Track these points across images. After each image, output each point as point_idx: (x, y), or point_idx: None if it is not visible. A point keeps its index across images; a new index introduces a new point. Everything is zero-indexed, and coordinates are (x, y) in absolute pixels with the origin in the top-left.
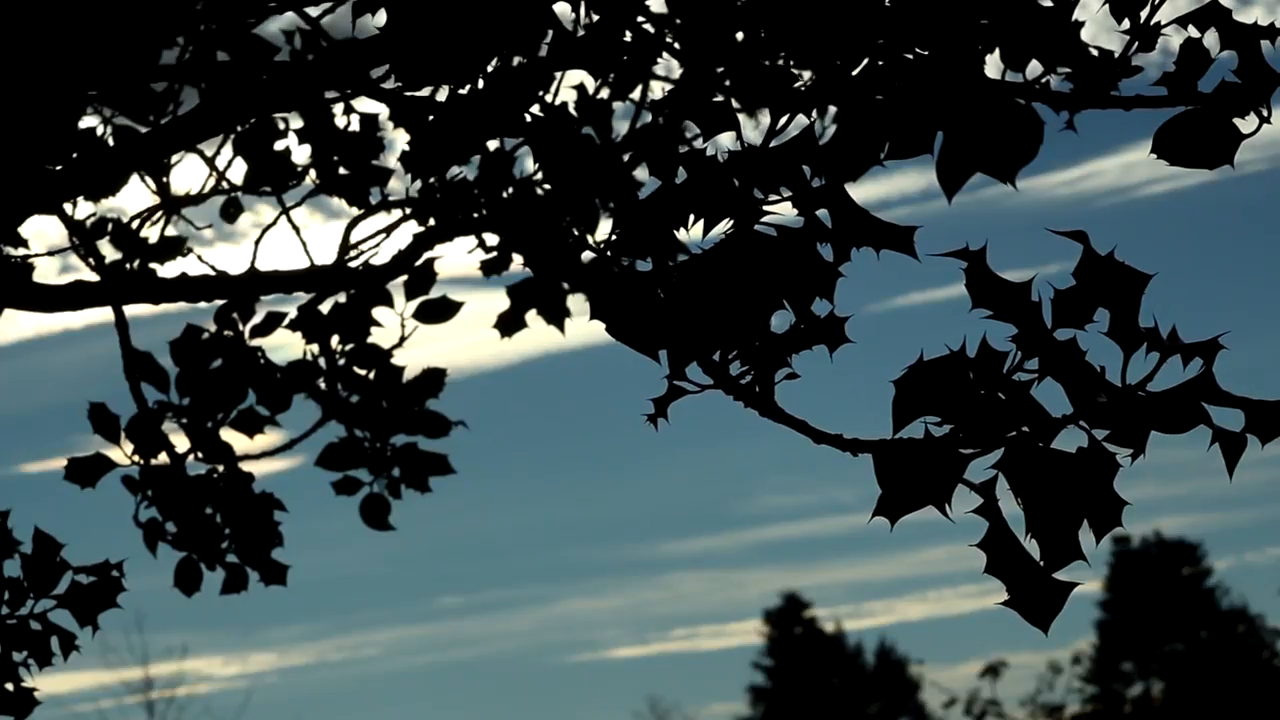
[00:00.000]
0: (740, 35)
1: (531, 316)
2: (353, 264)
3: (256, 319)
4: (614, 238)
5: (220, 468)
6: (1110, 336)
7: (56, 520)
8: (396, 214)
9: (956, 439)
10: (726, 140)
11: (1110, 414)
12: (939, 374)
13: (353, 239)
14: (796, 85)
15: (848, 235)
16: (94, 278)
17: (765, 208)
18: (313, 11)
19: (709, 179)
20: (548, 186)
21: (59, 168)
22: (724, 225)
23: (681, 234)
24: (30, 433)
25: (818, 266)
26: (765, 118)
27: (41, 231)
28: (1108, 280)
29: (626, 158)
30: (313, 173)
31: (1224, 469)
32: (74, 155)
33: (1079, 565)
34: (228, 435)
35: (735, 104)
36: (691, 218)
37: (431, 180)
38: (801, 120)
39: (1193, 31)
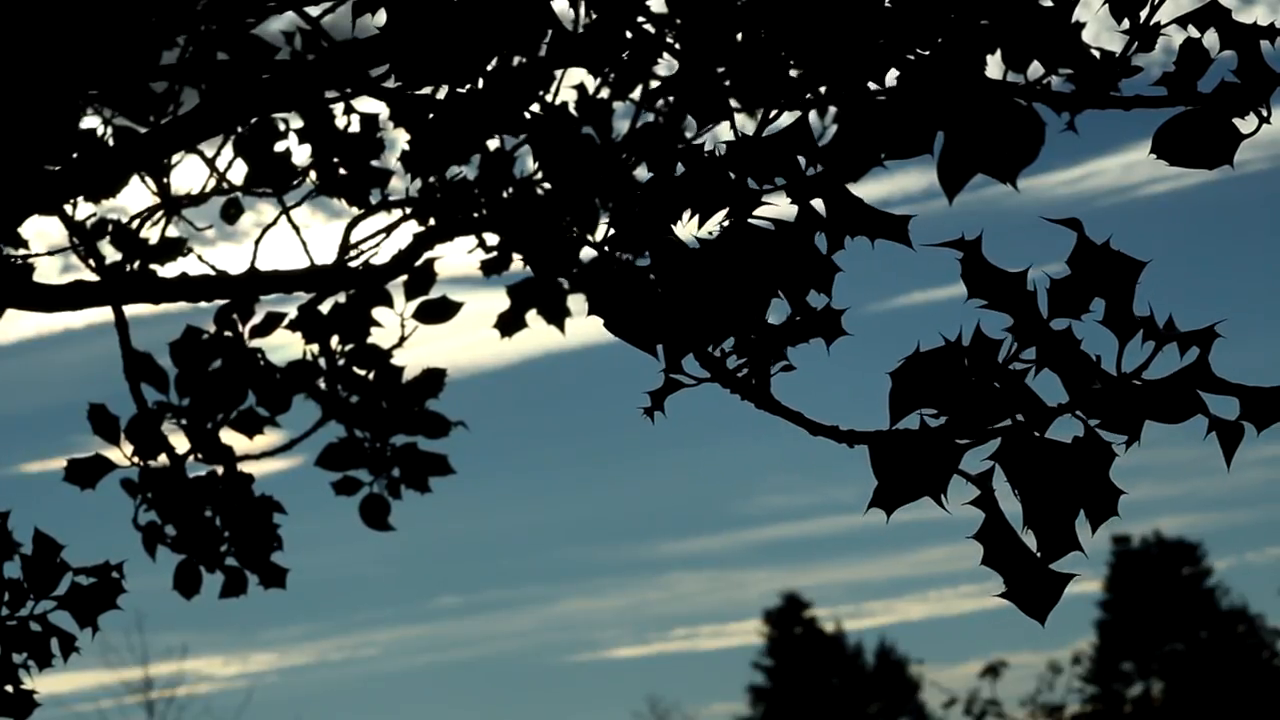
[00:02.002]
0: (740, 35)
1: (531, 316)
2: (353, 264)
3: (256, 319)
4: (610, 232)
5: (220, 469)
6: (1106, 325)
7: (56, 521)
8: (396, 214)
9: (952, 429)
10: (724, 136)
11: (1106, 403)
12: (935, 365)
13: (353, 239)
14: (792, 78)
15: (842, 224)
16: (94, 278)
17: (761, 199)
18: (313, 11)
19: (704, 172)
20: (548, 186)
21: (59, 168)
22: (720, 218)
23: (679, 230)
24: (30, 433)
25: (814, 259)
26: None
27: (43, 231)
28: (1102, 268)
29: (626, 157)
30: (313, 174)
31: (1224, 468)
32: (74, 155)
33: (1077, 559)
34: (227, 436)
35: (735, 104)
36: (687, 211)
37: (431, 180)
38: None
39: (1192, 31)
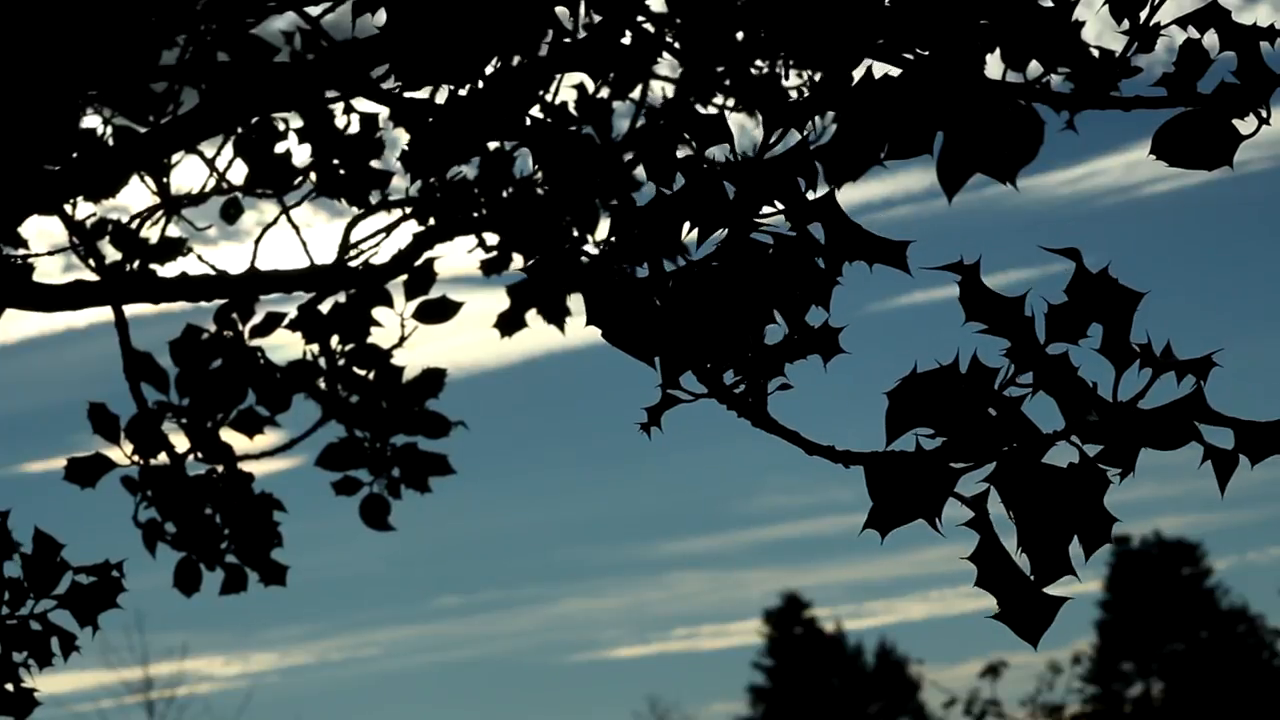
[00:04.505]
0: (740, 35)
1: (531, 316)
2: (353, 264)
3: (256, 319)
4: (611, 243)
5: (220, 468)
6: (1102, 353)
7: (57, 520)
8: (396, 214)
9: (948, 452)
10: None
11: (1102, 430)
12: (931, 387)
13: (353, 239)
14: (793, 97)
15: (840, 250)
16: (94, 278)
17: (759, 219)
18: (313, 11)
19: (705, 187)
20: (548, 187)
21: (59, 168)
22: (720, 233)
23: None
24: (30, 433)
25: (813, 275)
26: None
27: (44, 231)
28: (1100, 297)
29: (626, 158)
30: (313, 174)
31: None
32: (74, 155)
33: (1070, 578)
34: (228, 435)
35: (734, 104)
36: (687, 226)
37: (431, 180)
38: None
39: (1193, 32)
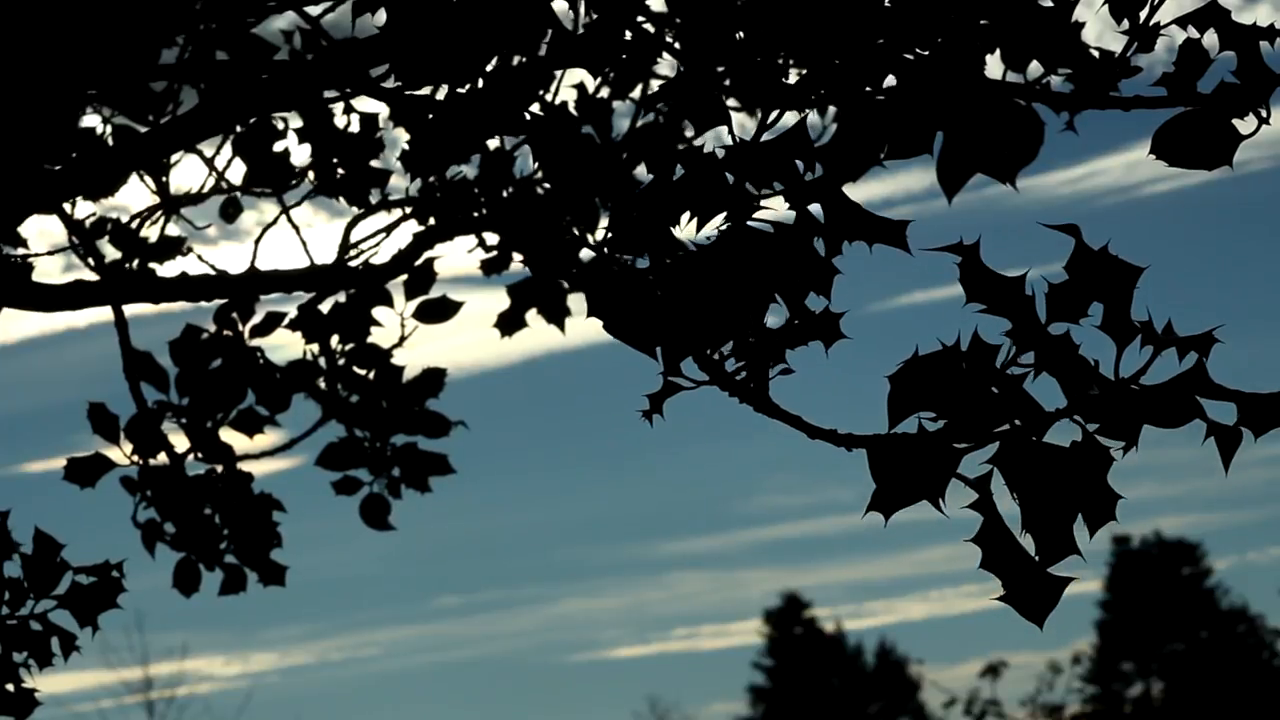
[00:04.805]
0: (740, 34)
1: (532, 316)
2: (353, 264)
3: (256, 319)
4: (610, 234)
5: (220, 468)
6: (1104, 330)
7: (56, 520)
8: (396, 213)
9: (950, 433)
10: (725, 137)
11: (1103, 407)
12: (933, 369)
13: (353, 238)
14: (791, 81)
15: (840, 229)
16: (94, 277)
17: (759, 203)
18: (313, 11)
19: (703, 174)
20: (548, 186)
21: (59, 168)
22: (719, 221)
23: (679, 231)
24: (30, 433)
25: (814, 262)
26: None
27: (44, 230)
28: (1100, 274)
29: (626, 157)
30: (312, 173)
31: (1223, 468)
32: (74, 155)
33: (1075, 562)
34: (227, 435)
35: (734, 103)
36: (686, 214)
37: (431, 179)
38: (794, 113)
39: (1192, 32)
